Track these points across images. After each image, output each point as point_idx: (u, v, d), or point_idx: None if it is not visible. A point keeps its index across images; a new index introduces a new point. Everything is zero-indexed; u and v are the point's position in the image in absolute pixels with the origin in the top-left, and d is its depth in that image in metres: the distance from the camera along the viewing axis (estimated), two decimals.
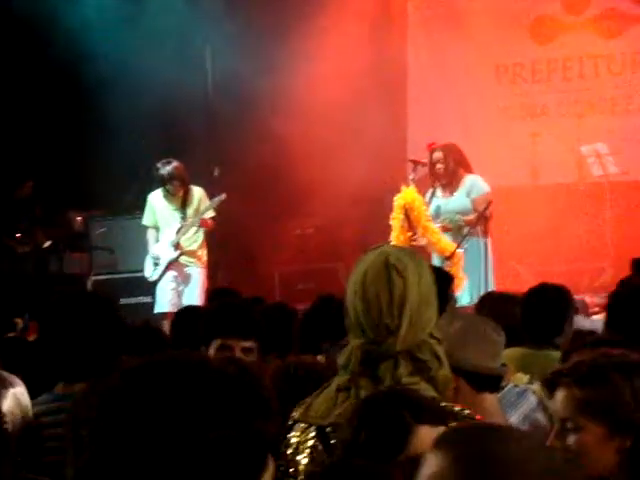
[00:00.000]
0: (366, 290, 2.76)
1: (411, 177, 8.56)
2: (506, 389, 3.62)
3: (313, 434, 2.77)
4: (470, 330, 3.28)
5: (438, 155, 8.59)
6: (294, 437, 2.81)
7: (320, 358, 4.11)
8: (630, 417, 2.63)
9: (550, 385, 2.66)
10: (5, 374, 3.25)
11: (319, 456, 2.72)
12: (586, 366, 2.65)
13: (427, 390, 2.71)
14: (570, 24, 11.41)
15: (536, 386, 3.67)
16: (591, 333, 4.46)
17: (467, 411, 2.73)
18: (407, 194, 8.29)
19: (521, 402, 3.64)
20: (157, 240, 9.30)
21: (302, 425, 2.80)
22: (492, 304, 4.85)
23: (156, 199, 9.33)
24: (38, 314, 7.09)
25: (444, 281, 3.50)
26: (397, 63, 11.72)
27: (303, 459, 2.77)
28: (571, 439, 2.60)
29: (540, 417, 3.64)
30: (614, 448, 2.62)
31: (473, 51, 11.53)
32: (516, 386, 3.66)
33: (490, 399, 3.11)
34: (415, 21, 11.91)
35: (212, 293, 7.33)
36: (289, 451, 2.79)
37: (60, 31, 10.09)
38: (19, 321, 7.02)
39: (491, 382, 3.24)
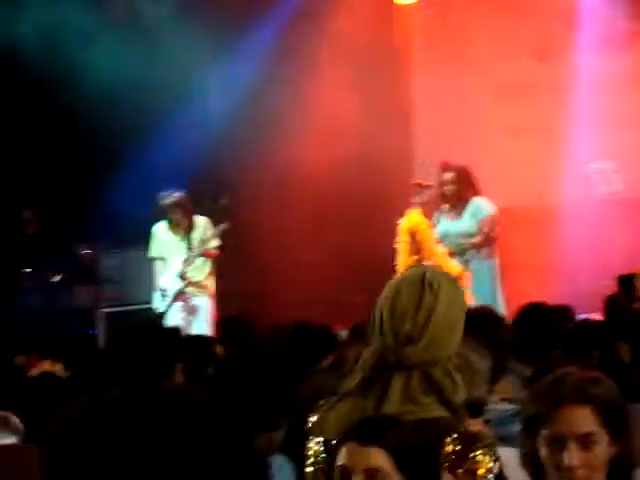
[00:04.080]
0: (397, 296, 2.77)
1: (416, 200, 8.56)
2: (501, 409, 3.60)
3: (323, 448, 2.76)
4: (460, 355, 3.27)
5: (450, 175, 8.61)
6: (310, 450, 2.79)
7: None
8: (626, 424, 2.66)
9: (552, 404, 2.64)
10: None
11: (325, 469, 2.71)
12: (582, 380, 2.65)
13: (437, 410, 2.69)
14: (570, 43, 11.42)
15: None
16: None
17: (471, 427, 2.72)
18: (412, 217, 8.29)
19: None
20: (164, 271, 9.32)
21: (316, 440, 2.79)
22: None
23: (161, 230, 9.36)
24: (46, 349, 7.15)
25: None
26: (401, 87, 11.75)
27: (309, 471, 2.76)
28: (596, 451, 2.61)
29: None
30: (610, 456, 2.63)
31: (477, 72, 11.54)
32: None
33: (474, 424, 3.10)
34: (418, 45, 11.94)
35: (224, 323, 7.34)
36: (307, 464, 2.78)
37: (63, 68, 10.16)
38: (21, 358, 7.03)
39: (472, 409, 3.24)
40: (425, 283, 2.78)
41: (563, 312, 5.93)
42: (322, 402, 2.85)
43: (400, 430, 2.57)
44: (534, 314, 5.15)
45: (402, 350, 2.73)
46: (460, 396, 2.75)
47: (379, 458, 2.50)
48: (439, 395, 2.72)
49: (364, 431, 2.55)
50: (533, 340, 4.85)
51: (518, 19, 11.31)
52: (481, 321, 4.33)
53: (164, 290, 9.22)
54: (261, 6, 11.04)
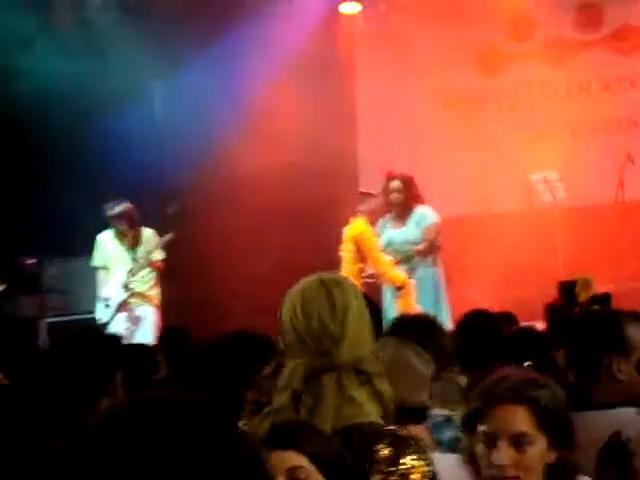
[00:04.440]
0: (305, 305, 2.79)
1: (361, 209, 8.59)
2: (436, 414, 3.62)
3: None
4: (398, 361, 3.29)
5: (396, 184, 8.66)
6: None
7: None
8: (568, 430, 2.66)
9: (488, 402, 2.66)
10: None
11: None
12: (521, 382, 2.67)
13: (370, 412, 2.70)
14: (515, 53, 11.53)
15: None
16: None
17: (403, 431, 2.73)
18: (357, 225, 8.31)
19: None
20: (107, 281, 9.26)
21: None
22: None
23: (106, 239, 9.30)
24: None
25: (373, 308, 3.54)
26: (346, 95, 11.79)
27: None
28: (529, 452, 2.62)
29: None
30: (546, 461, 2.65)
31: (421, 82, 11.61)
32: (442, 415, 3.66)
33: (415, 430, 3.11)
34: (363, 54, 12.00)
35: (162, 332, 7.31)
36: None
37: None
38: None
39: (414, 414, 3.25)
40: (327, 284, 2.82)
41: (506, 319, 5.97)
42: (256, 418, 2.84)
43: (316, 434, 2.56)
44: (476, 321, 5.17)
45: (331, 352, 2.75)
46: (388, 387, 2.77)
47: (298, 459, 2.49)
48: (371, 388, 2.74)
49: (278, 437, 2.53)
50: (475, 347, 4.87)
51: (463, 29, 11.39)
52: (422, 327, 4.36)
53: (107, 300, 9.17)
54: (207, 12, 11.04)
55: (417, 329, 4.12)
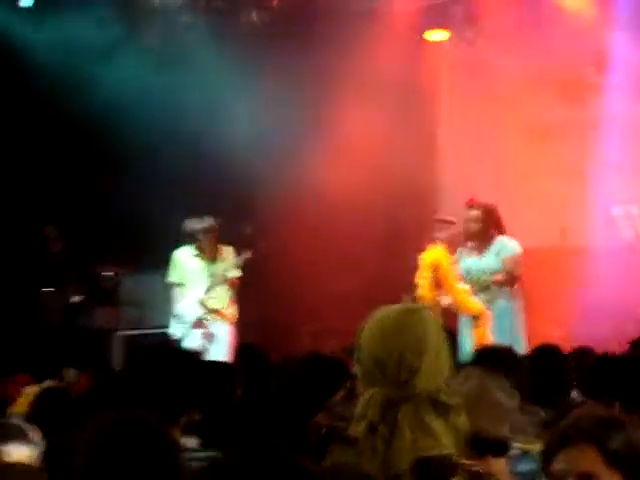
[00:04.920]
0: (385, 334, 2.78)
1: (439, 235, 8.53)
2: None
3: None
4: (482, 392, 3.25)
5: (475, 213, 8.57)
6: None
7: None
8: None
9: (560, 442, 2.64)
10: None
11: None
12: (594, 420, 2.66)
13: (446, 444, 2.68)
14: (599, 84, 11.39)
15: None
16: None
17: (478, 467, 2.70)
18: (434, 252, 8.25)
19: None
20: (183, 297, 9.31)
21: None
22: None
23: (184, 256, 9.34)
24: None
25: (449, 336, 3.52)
26: (428, 121, 11.77)
27: None
28: None
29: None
30: None
31: (504, 110, 11.53)
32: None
33: (496, 464, 3.06)
34: (447, 80, 11.97)
35: (238, 351, 7.33)
36: None
37: (89, 88, 10.24)
38: (69, 373, 7.03)
39: (495, 447, 3.21)
40: (408, 314, 2.82)
41: (583, 354, 5.87)
42: (332, 447, 2.81)
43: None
44: (545, 356, 5.11)
45: (409, 382, 2.74)
46: (464, 420, 2.74)
47: None
48: (448, 419, 2.71)
49: None
50: (545, 381, 4.82)
51: (548, 59, 11.29)
52: (504, 359, 4.32)
53: (182, 316, 9.21)
54: (294, 31, 11.11)
55: (499, 360, 4.07)
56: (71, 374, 7.08)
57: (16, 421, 3.51)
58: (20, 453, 3.15)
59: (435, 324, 2.85)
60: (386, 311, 2.86)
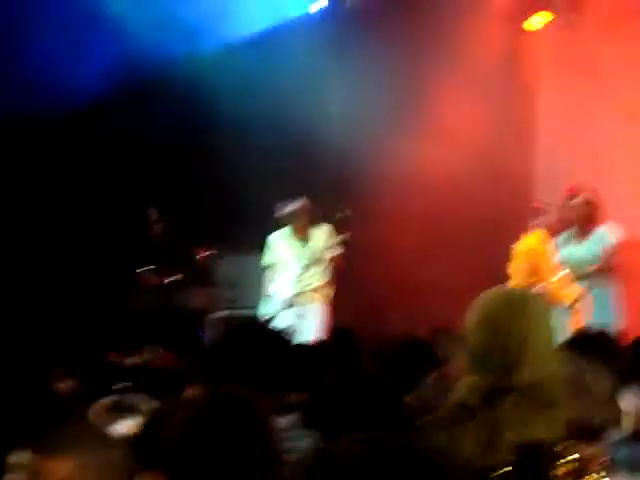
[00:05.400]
0: (489, 322, 2.73)
1: (536, 222, 8.44)
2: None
3: None
4: (577, 378, 3.20)
5: (579, 201, 8.47)
6: None
7: None
8: None
9: None
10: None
11: None
12: None
13: (546, 435, 2.62)
14: None
15: None
16: None
17: (578, 455, 2.65)
18: (530, 240, 8.16)
19: None
20: (275, 279, 9.35)
21: None
22: None
23: (278, 240, 9.40)
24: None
25: None
26: (528, 107, 11.63)
27: None
28: None
29: None
30: None
31: (605, 96, 11.31)
32: None
33: (592, 449, 3.02)
34: (546, 65, 11.79)
35: (331, 332, 7.35)
36: None
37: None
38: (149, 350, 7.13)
39: (592, 433, 3.16)
40: (516, 301, 2.74)
41: None
42: (424, 429, 2.78)
43: None
44: None
45: (513, 372, 2.68)
46: (565, 413, 2.68)
47: None
48: (550, 412, 2.65)
49: None
50: None
51: None
52: (602, 344, 4.25)
53: (274, 296, 9.26)
54: (388, 19, 11.08)
55: (597, 345, 4.01)
56: (150, 352, 7.17)
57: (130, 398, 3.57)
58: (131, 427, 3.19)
59: (544, 313, 2.77)
60: (492, 296, 2.79)
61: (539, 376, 2.69)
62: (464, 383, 2.74)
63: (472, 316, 2.77)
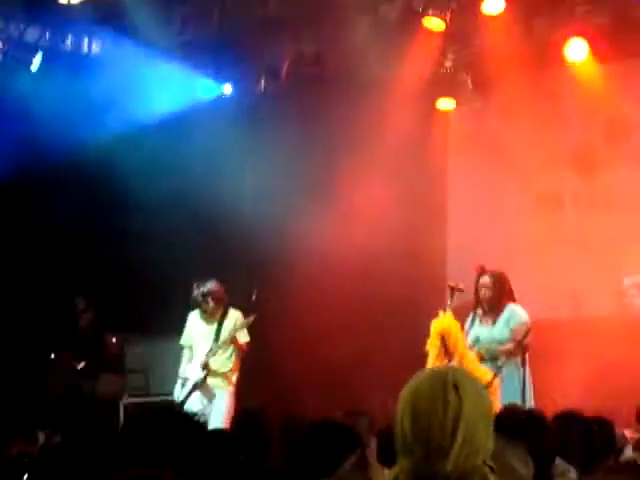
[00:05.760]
0: (417, 406, 2.63)
1: (449, 303, 8.45)
2: None
3: None
4: (498, 461, 3.15)
5: (486, 280, 8.50)
6: None
7: None
8: None
9: None
10: None
11: None
12: None
13: None
14: (610, 155, 11.36)
15: None
16: None
17: None
18: (444, 320, 8.16)
19: None
20: (191, 360, 9.24)
21: None
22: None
23: (193, 319, 9.33)
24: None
25: None
26: (437, 187, 11.78)
27: None
28: None
29: None
30: None
31: (514, 178, 11.52)
32: None
33: None
34: (455, 147, 11.99)
35: (239, 415, 7.23)
36: None
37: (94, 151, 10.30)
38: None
39: None
40: (446, 385, 2.64)
41: (601, 423, 5.77)
42: None
43: None
44: (573, 421, 5.00)
45: (435, 463, 2.59)
46: None
47: None
48: None
49: None
50: (574, 446, 4.73)
51: (559, 128, 11.30)
52: (524, 424, 4.21)
53: (185, 379, 9.14)
54: (300, 101, 11.18)
55: (519, 426, 3.97)
56: (41, 436, 6.99)
57: None
58: None
59: (477, 395, 2.66)
60: (421, 377, 2.69)
61: (467, 466, 2.60)
62: (393, 470, 2.66)
63: (401, 399, 2.68)
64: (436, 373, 2.70)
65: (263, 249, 11.01)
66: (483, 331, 8.52)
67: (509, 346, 8.41)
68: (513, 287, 8.79)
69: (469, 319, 8.60)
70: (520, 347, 8.45)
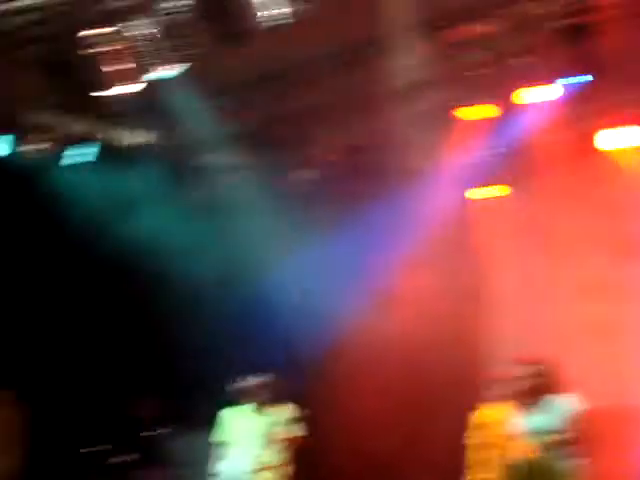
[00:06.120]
0: None
1: (493, 393, 8.36)
2: None
3: None
4: None
5: (531, 370, 8.39)
6: None
7: None
8: None
9: None
10: None
11: None
12: None
13: None
14: None
15: None
16: None
17: None
18: (486, 412, 8.06)
19: None
20: (226, 456, 9.12)
21: None
22: None
23: (231, 415, 9.18)
24: None
25: None
26: (483, 274, 11.73)
27: None
28: None
29: None
30: None
31: (557, 266, 11.44)
32: None
33: None
34: (501, 229, 11.94)
35: None
36: None
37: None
38: None
39: None
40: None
41: None
42: None
43: None
44: None
45: None
46: None
47: None
48: None
49: None
50: None
51: (601, 215, 11.24)
52: None
53: (219, 475, 9.00)
54: (337, 190, 11.24)
55: None
56: None
57: None
58: None
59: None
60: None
61: None
62: None
63: None
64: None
65: (307, 336, 10.97)
66: (530, 421, 8.39)
67: (561, 437, 8.27)
68: (567, 375, 8.64)
69: (514, 410, 8.47)
70: (572, 438, 8.31)
